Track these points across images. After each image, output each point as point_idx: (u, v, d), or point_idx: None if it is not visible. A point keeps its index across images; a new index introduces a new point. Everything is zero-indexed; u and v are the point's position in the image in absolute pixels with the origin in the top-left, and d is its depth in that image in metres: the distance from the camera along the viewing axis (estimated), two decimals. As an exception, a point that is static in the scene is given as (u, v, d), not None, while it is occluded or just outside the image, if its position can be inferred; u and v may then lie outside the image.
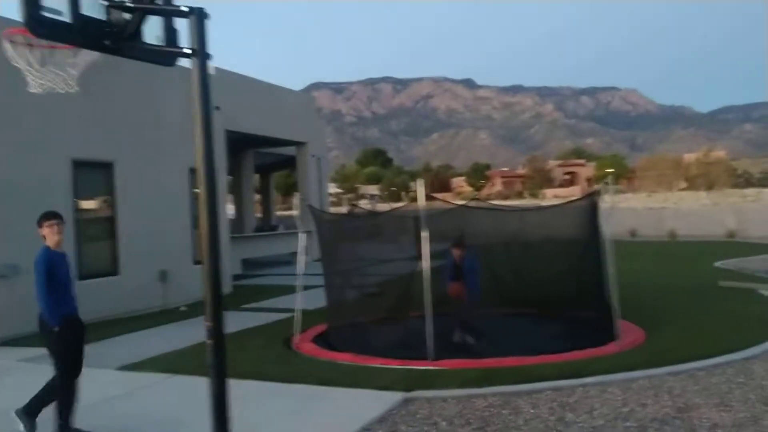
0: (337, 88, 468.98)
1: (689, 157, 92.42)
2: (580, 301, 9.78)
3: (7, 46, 4.46)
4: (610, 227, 8.82)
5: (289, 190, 70.54)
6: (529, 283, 10.14)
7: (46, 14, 3.35)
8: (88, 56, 4.54)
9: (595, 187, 11.43)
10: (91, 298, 11.37)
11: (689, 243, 25.64)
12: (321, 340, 9.30)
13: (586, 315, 9.59)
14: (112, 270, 12.14)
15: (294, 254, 21.92)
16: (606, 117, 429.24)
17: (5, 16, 9.56)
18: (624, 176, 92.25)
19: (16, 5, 3.41)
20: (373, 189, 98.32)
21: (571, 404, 6.05)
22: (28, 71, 4.43)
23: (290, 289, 13.83)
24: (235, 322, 9.80)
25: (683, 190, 66.10)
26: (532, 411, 5.91)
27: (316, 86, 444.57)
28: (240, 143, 20.71)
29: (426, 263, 8.04)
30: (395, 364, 7.68)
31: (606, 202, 8.94)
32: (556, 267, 10.02)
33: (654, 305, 10.99)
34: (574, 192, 77.06)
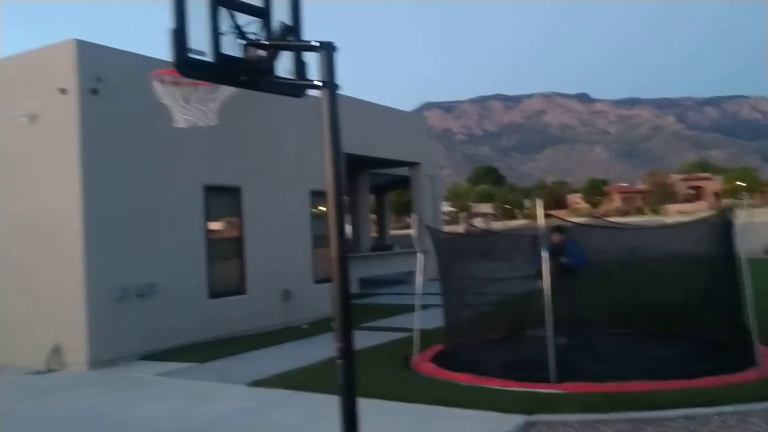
0: (448, 107, 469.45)
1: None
2: (711, 323, 9.24)
3: (157, 85, 4.87)
4: (744, 244, 8.32)
5: (402, 209, 71.17)
6: (654, 303, 9.70)
7: (192, 55, 3.65)
8: (226, 91, 4.87)
9: (727, 202, 10.83)
10: (222, 316, 12.05)
11: (835, 261, 23.54)
12: (439, 359, 9.31)
13: (718, 338, 9.06)
14: (240, 289, 12.74)
15: (409, 273, 22.14)
16: (733, 127, 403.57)
17: (152, 56, 10.36)
18: (757, 189, 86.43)
19: (164, 47, 3.76)
20: (486, 207, 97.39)
21: (706, 434, 5.74)
22: (174, 108, 4.82)
23: (406, 308, 13.95)
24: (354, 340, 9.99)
25: (826, 203, 60.93)
26: (663, 439, 5.66)
27: (427, 106, 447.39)
28: (355, 165, 21.19)
29: (546, 282, 7.92)
30: (515, 386, 7.56)
31: (740, 217, 8.44)
32: (685, 286, 9.52)
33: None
34: (701, 207, 72.88)
